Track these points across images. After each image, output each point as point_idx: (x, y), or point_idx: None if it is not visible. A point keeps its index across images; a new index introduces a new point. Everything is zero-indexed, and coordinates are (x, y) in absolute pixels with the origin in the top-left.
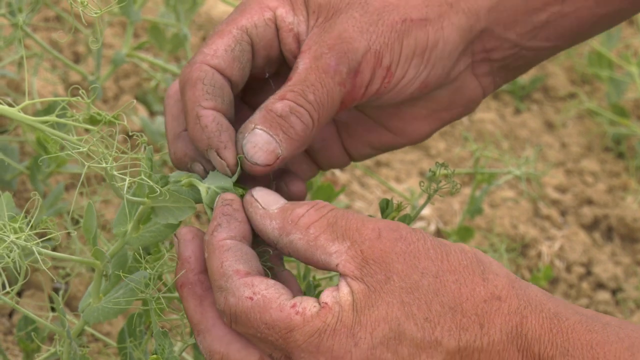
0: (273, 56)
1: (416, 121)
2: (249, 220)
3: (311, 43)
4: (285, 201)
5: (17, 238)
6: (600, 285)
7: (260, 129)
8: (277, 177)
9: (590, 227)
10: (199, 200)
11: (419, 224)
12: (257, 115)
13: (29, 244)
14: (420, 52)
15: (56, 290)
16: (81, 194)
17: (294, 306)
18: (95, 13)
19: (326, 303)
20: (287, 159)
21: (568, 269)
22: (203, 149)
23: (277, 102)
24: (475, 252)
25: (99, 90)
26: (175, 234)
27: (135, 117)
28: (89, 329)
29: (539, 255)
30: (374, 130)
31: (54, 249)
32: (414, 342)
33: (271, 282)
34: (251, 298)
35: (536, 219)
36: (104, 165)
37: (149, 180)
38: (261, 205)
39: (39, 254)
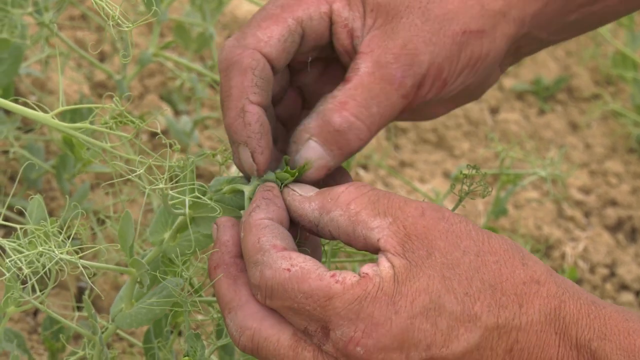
0: (320, 46)
1: (438, 105)
2: (287, 210)
3: (374, 46)
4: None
5: (48, 246)
6: (624, 287)
7: (315, 142)
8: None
9: (614, 228)
10: (241, 207)
11: None
12: (313, 124)
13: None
14: (473, 63)
15: (81, 289)
16: (107, 193)
17: (333, 275)
18: (127, 27)
19: (367, 274)
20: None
21: (592, 270)
22: (237, 141)
23: (336, 113)
24: (515, 242)
25: (125, 90)
26: (215, 222)
27: (161, 117)
28: (125, 336)
29: (563, 256)
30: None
31: (80, 249)
32: (453, 315)
33: (308, 257)
34: (289, 270)
35: (560, 220)
36: (160, 186)
37: (199, 197)
38: (298, 192)
39: (77, 264)
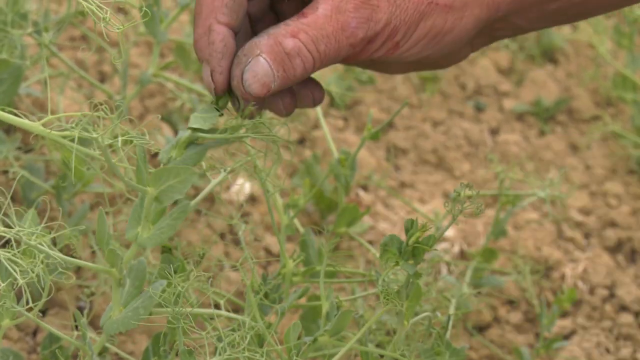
0: None
1: (396, 65)
2: None
3: None
4: None
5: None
6: (623, 308)
7: (265, 59)
8: (301, 84)
9: (614, 249)
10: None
11: (443, 245)
12: (265, 41)
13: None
14: (432, 35)
15: (80, 309)
16: (107, 213)
17: None
18: (118, 29)
19: None
20: (277, 91)
21: (591, 291)
22: (201, 59)
23: (289, 38)
24: None
25: (125, 109)
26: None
27: (160, 136)
28: (112, 348)
29: (563, 277)
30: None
31: (79, 269)
32: None
33: None
34: None
35: (560, 241)
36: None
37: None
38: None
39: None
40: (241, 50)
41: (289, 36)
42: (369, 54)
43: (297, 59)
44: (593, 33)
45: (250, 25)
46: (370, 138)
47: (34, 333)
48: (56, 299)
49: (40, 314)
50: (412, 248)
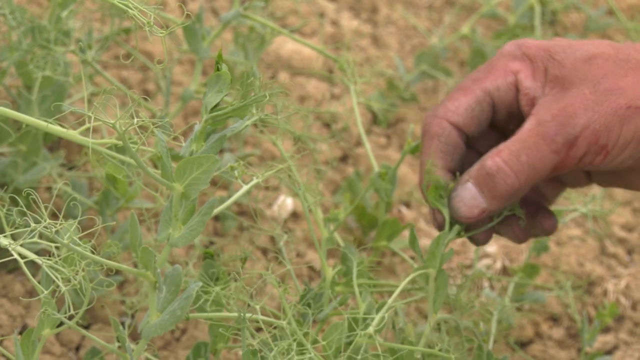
0: (515, 113)
1: (635, 176)
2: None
3: (540, 108)
4: None
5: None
6: None
7: (471, 184)
8: (531, 213)
9: None
10: None
11: (485, 261)
12: (474, 167)
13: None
14: (638, 137)
15: (123, 324)
16: (148, 229)
17: None
18: (161, 33)
19: None
20: (495, 212)
21: (634, 306)
22: (423, 197)
23: (489, 159)
24: None
25: (167, 125)
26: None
27: None
28: None
29: (605, 293)
30: (611, 178)
31: (122, 284)
32: None
33: None
34: None
35: (602, 257)
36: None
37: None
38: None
39: (99, 263)
40: (457, 182)
41: (492, 156)
42: (577, 160)
43: (497, 176)
44: None
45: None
46: (411, 152)
47: (77, 348)
48: (99, 315)
49: (84, 329)
50: None
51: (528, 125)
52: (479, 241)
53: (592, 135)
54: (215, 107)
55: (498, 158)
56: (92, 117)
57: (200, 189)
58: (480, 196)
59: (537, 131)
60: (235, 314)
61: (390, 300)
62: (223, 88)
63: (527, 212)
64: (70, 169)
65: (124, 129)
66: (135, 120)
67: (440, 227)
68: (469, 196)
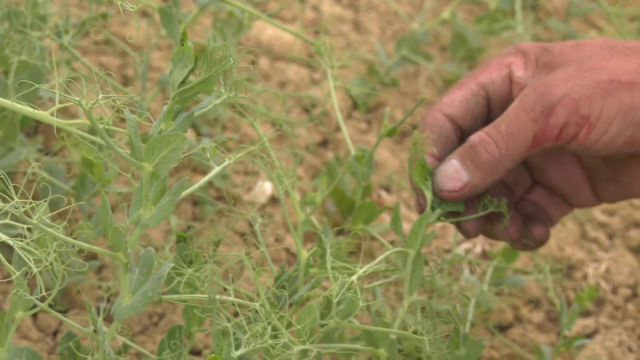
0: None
1: (629, 165)
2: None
3: (525, 88)
4: None
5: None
6: None
7: (455, 159)
8: (523, 222)
9: (638, 249)
10: None
11: (464, 245)
12: (459, 147)
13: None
14: (623, 111)
15: (99, 308)
16: (128, 214)
17: None
18: (132, 8)
19: None
20: (479, 186)
21: (614, 290)
22: (412, 186)
23: (474, 134)
24: None
25: (144, 109)
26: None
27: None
28: (135, 347)
29: (585, 277)
30: (611, 181)
31: (99, 269)
32: None
33: None
34: None
35: (583, 241)
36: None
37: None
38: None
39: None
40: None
41: (476, 132)
42: (558, 131)
43: (478, 146)
44: (617, 35)
45: None
46: (387, 135)
47: (54, 333)
48: (76, 300)
49: (62, 314)
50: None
51: (512, 103)
52: (469, 232)
53: (571, 103)
54: (182, 84)
55: (481, 132)
56: (58, 96)
57: (169, 168)
58: (463, 169)
59: (519, 105)
60: (227, 298)
61: (356, 276)
62: (188, 63)
63: (518, 220)
64: (48, 154)
65: (90, 107)
66: (100, 96)
67: (422, 212)
68: (452, 170)
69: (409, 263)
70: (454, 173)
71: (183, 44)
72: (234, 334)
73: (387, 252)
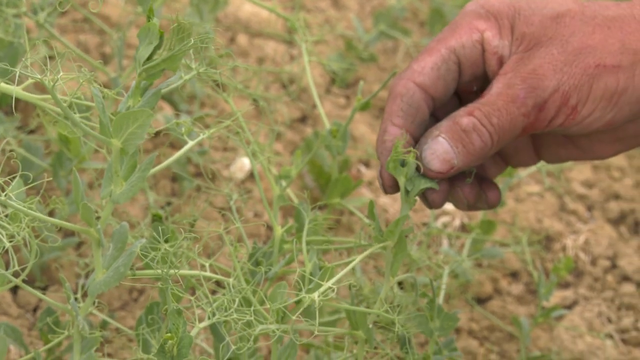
0: (479, 74)
1: (603, 144)
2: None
3: (508, 69)
4: None
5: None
6: (625, 278)
7: (443, 138)
8: (475, 185)
9: (617, 221)
10: None
11: (443, 219)
12: (444, 123)
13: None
14: (608, 96)
15: (77, 284)
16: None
17: None
18: None
19: None
20: (462, 169)
21: (593, 262)
22: (377, 156)
23: (464, 117)
24: None
25: (120, 85)
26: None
27: (160, 115)
28: (114, 323)
29: (564, 248)
30: (564, 145)
31: (78, 246)
32: None
33: None
34: None
35: (562, 213)
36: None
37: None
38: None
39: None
40: (424, 135)
41: (465, 115)
42: (547, 123)
43: (473, 133)
44: None
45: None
46: (361, 109)
47: (34, 310)
48: (56, 277)
49: (41, 291)
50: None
51: (497, 86)
52: (436, 204)
53: (562, 97)
54: (148, 60)
55: (472, 117)
56: (18, 71)
57: (137, 144)
58: (452, 151)
59: (507, 94)
60: (187, 272)
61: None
62: (153, 40)
63: (475, 185)
64: (28, 132)
65: (52, 83)
66: (61, 74)
67: (387, 191)
68: (442, 150)
69: (389, 249)
70: (444, 154)
71: (149, 21)
72: (198, 307)
73: (369, 251)
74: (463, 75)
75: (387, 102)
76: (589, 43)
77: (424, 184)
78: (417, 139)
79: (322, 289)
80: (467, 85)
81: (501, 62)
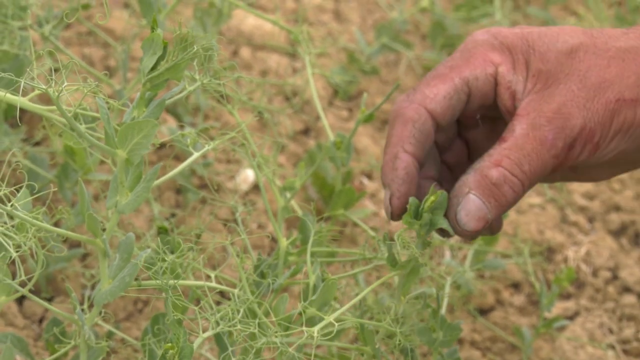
0: (486, 105)
1: (602, 169)
2: None
3: (530, 109)
4: None
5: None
6: (626, 289)
7: (475, 195)
8: None
9: (618, 233)
10: None
11: None
12: (472, 178)
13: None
14: (625, 129)
15: (83, 295)
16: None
17: None
18: None
19: None
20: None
21: (594, 273)
22: (384, 183)
23: (493, 169)
24: None
25: (124, 97)
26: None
27: (164, 128)
28: (119, 333)
29: (565, 260)
30: (560, 170)
31: (84, 257)
32: None
33: None
34: None
35: (563, 225)
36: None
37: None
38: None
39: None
40: (452, 192)
41: (493, 166)
42: (572, 160)
43: (505, 186)
44: (594, 21)
45: (439, 154)
46: (365, 121)
47: (40, 320)
48: (61, 288)
49: (47, 302)
50: (428, 212)
51: (521, 127)
52: (446, 234)
53: (589, 135)
54: (152, 70)
55: (501, 168)
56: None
57: (142, 154)
58: (485, 207)
59: (534, 136)
60: (192, 283)
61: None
62: (157, 50)
63: None
64: (33, 144)
65: (57, 93)
66: (65, 84)
67: (395, 219)
68: (475, 208)
69: (400, 277)
70: (477, 212)
71: (153, 32)
72: (202, 317)
73: (382, 279)
74: (470, 104)
75: (396, 124)
76: (606, 77)
77: (440, 224)
78: (422, 164)
79: (321, 324)
80: (470, 112)
81: (514, 97)
